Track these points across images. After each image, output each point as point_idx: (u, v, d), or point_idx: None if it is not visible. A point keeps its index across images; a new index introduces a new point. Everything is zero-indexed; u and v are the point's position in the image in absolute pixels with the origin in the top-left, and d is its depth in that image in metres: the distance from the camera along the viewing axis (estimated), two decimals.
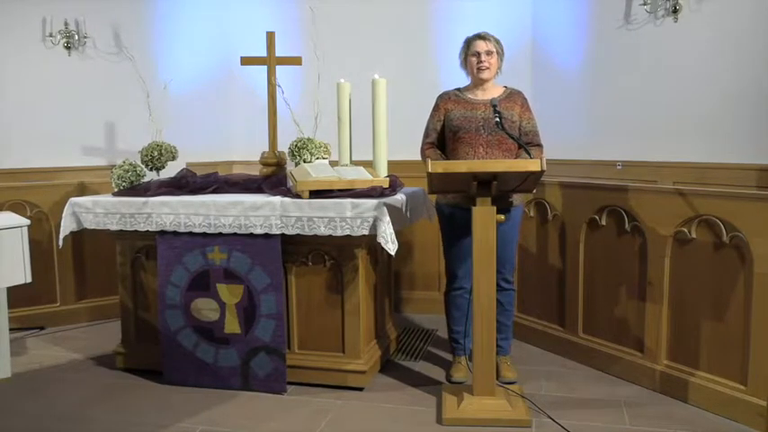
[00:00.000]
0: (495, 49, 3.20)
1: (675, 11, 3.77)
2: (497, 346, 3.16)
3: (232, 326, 3.29)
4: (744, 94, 3.57)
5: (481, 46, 3.19)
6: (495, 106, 3.05)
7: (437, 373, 3.49)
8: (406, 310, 4.65)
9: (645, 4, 3.87)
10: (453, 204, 3.25)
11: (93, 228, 3.45)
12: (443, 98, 3.34)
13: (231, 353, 3.30)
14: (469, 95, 3.29)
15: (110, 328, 4.24)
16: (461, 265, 3.29)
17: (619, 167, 4.10)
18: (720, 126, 3.68)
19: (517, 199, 3.23)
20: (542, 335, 3.82)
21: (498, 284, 3.19)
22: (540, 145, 3.27)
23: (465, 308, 3.27)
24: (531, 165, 2.72)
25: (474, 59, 3.21)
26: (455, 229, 3.27)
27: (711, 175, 3.62)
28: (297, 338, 3.33)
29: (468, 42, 3.25)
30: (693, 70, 3.78)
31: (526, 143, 3.17)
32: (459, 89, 3.34)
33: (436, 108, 3.35)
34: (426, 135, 3.37)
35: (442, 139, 3.33)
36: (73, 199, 3.49)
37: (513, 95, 3.28)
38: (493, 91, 3.28)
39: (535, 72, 4.57)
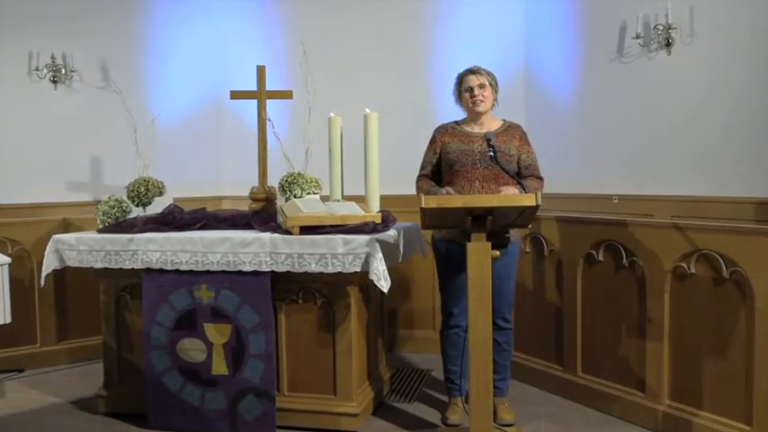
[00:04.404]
0: (487, 82, 3.20)
1: (668, 44, 3.79)
2: (494, 387, 3.07)
3: (219, 367, 3.19)
4: (739, 126, 3.58)
5: (473, 80, 3.19)
6: (488, 140, 3.03)
7: (432, 415, 3.40)
8: (400, 349, 4.56)
9: (638, 37, 3.90)
10: (449, 239, 3.19)
11: (76, 266, 3.37)
12: (440, 131, 3.32)
13: (218, 395, 3.19)
14: (467, 129, 3.27)
15: (92, 371, 4.08)
16: (457, 303, 3.21)
17: (615, 201, 4.08)
18: (716, 159, 3.68)
19: (514, 234, 3.18)
20: (540, 374, 3.73)
21: (496, 323, 3.11)
22: (540, 177, 3.25)
23: (461, 346, 3.20)
24: (526, 199, 2.69)
25: (468, 95, 3.21)
26: (451, 265, 3.21)
27: (708, 209, 3.60)
28: (287, 380, 3.25)
29: (461, 78, 3.25)
30: (688, 103, 3.79)
31: (527, 176, 3.13)
32: (456, 122, 3.33)
33: (433, 141, 3.33)
34: (422, 167, 3.34)
35: (439, 171, 3.30)
36: (56, 236, 3.41)
37: (511, 129, 3.27)
38: (491, 124, 3.26)
39: (529, 105, 4.58)
